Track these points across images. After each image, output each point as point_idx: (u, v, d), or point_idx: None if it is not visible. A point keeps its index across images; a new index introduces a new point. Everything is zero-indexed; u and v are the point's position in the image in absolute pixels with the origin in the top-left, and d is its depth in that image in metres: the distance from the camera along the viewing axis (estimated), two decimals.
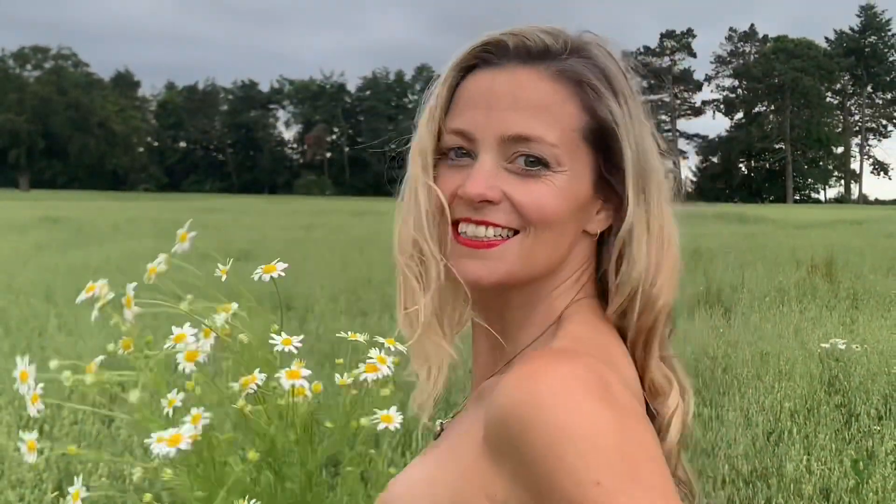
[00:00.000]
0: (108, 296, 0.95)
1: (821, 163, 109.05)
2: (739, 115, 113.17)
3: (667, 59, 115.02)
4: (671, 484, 0.77)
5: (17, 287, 10.79)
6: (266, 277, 1.02)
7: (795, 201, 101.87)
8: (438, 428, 1.06)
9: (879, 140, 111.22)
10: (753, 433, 4.65)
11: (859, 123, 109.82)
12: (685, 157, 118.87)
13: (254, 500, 0.96)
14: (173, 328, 1.00)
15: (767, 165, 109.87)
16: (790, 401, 5.34)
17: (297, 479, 1.01)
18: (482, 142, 0.95)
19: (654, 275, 0.96)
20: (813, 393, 5.55)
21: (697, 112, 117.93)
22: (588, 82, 0.97)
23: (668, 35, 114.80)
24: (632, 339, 0.98)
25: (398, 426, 1.08)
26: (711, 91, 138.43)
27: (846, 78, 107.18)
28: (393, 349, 1.09)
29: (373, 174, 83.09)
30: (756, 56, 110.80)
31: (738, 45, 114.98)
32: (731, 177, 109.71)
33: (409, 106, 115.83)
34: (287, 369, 0.95)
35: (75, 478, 3.21)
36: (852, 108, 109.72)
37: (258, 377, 0.95)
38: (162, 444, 0.87)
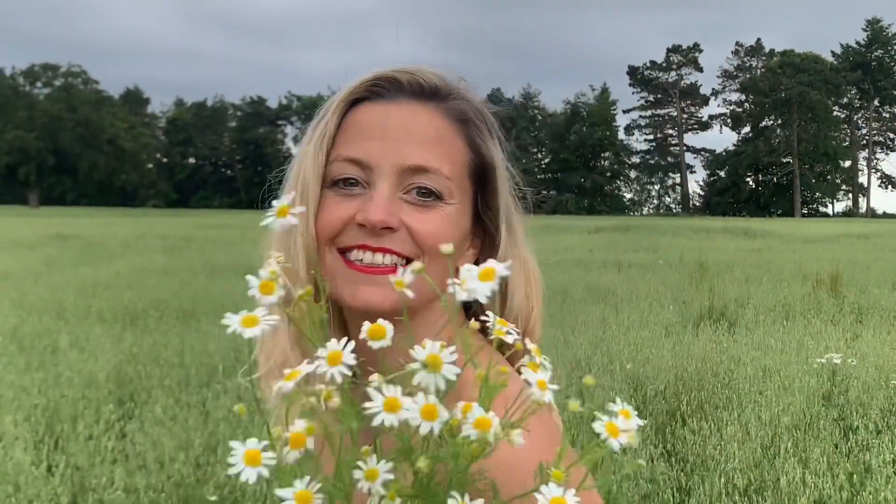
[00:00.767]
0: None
1: (828, 177, 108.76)
2: (746, 129, 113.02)
3: (673, 73, 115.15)
4: None
5: (29, 304, 10.89)
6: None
7: (803, 215, 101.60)
8: None
9: (887, 154, 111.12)
10: (752, 447, 4.72)
11: (866, 137, 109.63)
12: (692, 172, 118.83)
13: None
14: None
15: (775, 179, 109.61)
16: (788, 415, 5.41)
17: None
18: (378, 171, 0.96)
19: (529, 309, 1.00)
20: (811, 407, 5.63)
21: (704, 126, 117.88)
22: (472, 121, 1.02)
23: (675, 50, 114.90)
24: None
25: None
26: (718, 105, 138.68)
27: (853, 92, 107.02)
28: None
29: None
30: (763, 70, 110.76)
31: (745, 59, 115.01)
32: (738, 191, 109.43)
33: None
34: None
35: (90, 493, 3.31)
36: (859, 121, 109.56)
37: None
38: None
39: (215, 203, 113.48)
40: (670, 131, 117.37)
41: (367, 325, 0.79)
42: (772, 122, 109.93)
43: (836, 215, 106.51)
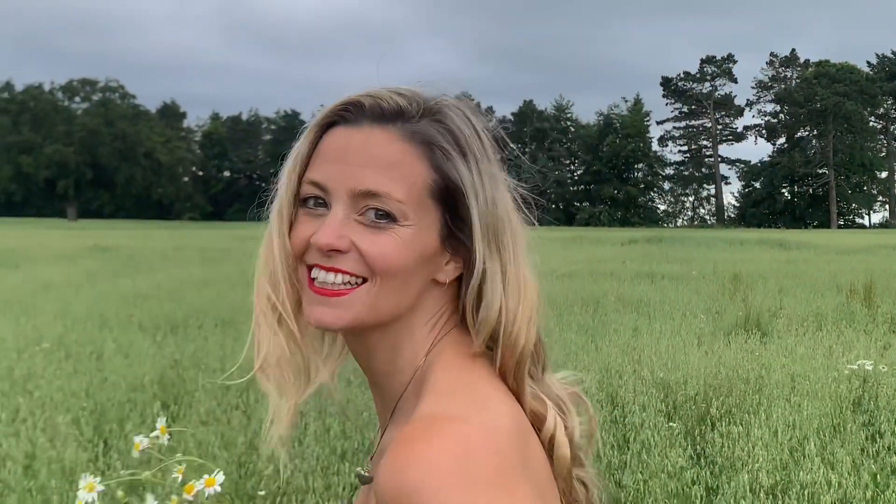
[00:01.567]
0: None
1: (864, 187, 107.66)
2: (782, 140, 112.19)
3: (707, 84, 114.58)
4: None
5: (73, 313, 11.16)
6: None
7: (839, 226, 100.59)
8: (364, 473, 1.07)
9: None
10: (779, 449, 4.82)
11: None
12: (727, 183, 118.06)
13: None
14: None
15: (811, 191, 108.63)
16: (817, 419, 5.50)
17: None
18: (335, 194, 1.02)
19: (511, 320, 1.04)
20: (839, 412, 5.71)
21: (739, 137, 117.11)
22: (437, 144, 1.03)
23: (709, 60, 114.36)
24: (501, 375, 1.04)
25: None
26: (753, 116, 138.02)
27: (889, 102, 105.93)
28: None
29: None
30: (798, 81, 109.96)
31: (780, 69, 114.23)
32: (773, 202, 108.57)
33: None
34: None
35: (140, 487, 3.51)
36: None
37: None
38: None
39: (250, 216, 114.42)
40: (704, 142, 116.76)
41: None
42: (807, 132, 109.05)
43: (872, 226, 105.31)
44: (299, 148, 1.10)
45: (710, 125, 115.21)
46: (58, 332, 9.32)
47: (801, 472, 4.36)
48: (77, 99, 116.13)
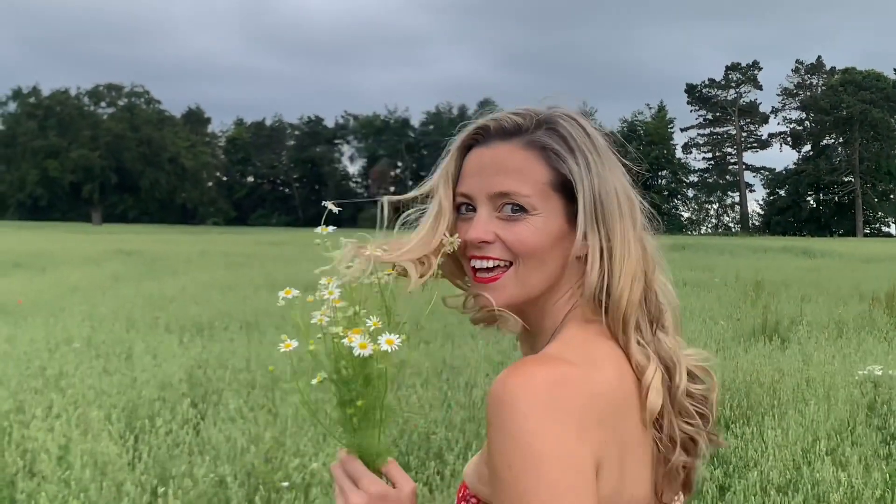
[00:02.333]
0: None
1: (891, 196, 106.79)
2: (807, 147, 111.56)
3: (732, 91, 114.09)
4: (569, 485, 1.04)
5: (100, 315, 11.36)
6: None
7: (865, 235, 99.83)
8: None
9: None
10: (791, 450, 4.91)
11: None
12: (752, 191, 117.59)
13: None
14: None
15: (836, 199, 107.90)
16: (829, 421, 5.58)
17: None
18: (478, 199, 1.29)
19: (614, 283, 1.25)
20: (853, 415, 5.78)
21: (764, 145, 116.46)
22: (550, 147, 1.27)
23: (734, 67, 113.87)
24: (612, 330, 1.25)
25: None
26: (778, 124, 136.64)
27: None
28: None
29: None
30: (823, 88, 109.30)
31: (805, 77, 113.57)
32: (799, 210, 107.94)
33: None
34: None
35: (171, 480, 3.66)
36: None
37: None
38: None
39: (273, 221, 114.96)
40: (729, 149, 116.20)
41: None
42: (833, 140, 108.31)
43: None
44: (447, 167, 1.37)
45: (734, 132, 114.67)
46: (86, 333, 9.50)
47: (812, 472, 4.45)
48: (103, 104, 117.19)
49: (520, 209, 1.25)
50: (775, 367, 7.58)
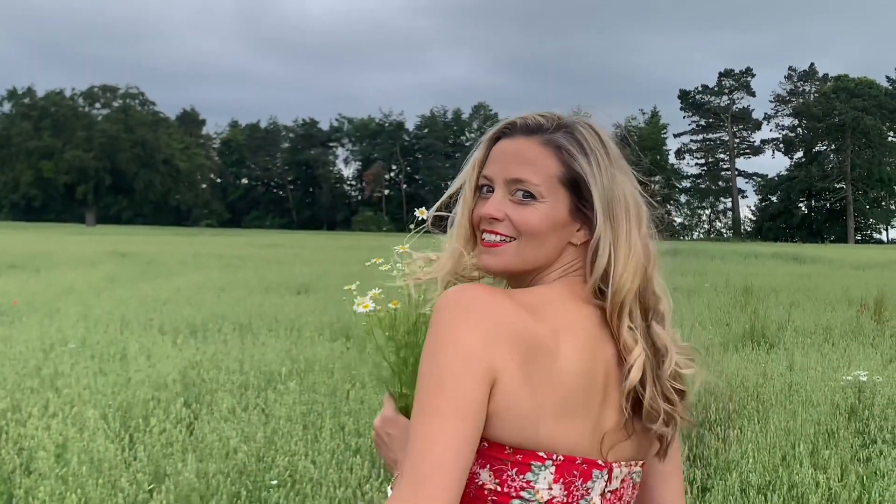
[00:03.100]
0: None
1: (882, 203, 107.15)
2: (799, 154, 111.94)
3: (725, 97, 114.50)
4: (451, 369, 1.27)
5: (95, 316, 11.43)
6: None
7: (857, 241, 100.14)
8: None
9: None
10: (772, 452, 5.03)
11: None
12: (744, 197, 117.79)
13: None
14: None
15: (828, 205, 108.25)
16: (811, 425, 5.70)
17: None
18: (496, 182, 1.48)
19: (619, 271, 1.43)
20: (834, 419, 5.90)
21: (756, 151, 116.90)
22: (564, 147, 1.47)
23: (727, 74, 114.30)
24: (609, 313, 1.43)
25: None
26: (771, 130, 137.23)
27: None
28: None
29: None
30: (816, 95, 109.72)
31: (798, 84, 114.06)
32: (790, 216, 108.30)
33: (467, 144, 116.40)
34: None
35: (166, 478, 3.78)
36: None
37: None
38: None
39: (267, 223, 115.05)
40: (722, 156, 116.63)
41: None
42: (825, 147, 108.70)
43: (890, 242, 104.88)
44: (477, 155, 1.57)
45: (727, 138, 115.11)
46: (81, 334, 9.58)
47: (791, 474, 4.56)
48: (98, 105, 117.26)
49: (529, 196, 1.45)
50: (760, 371, 7.71)
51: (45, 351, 8.36)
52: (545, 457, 1.34)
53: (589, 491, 1.39)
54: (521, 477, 1.33)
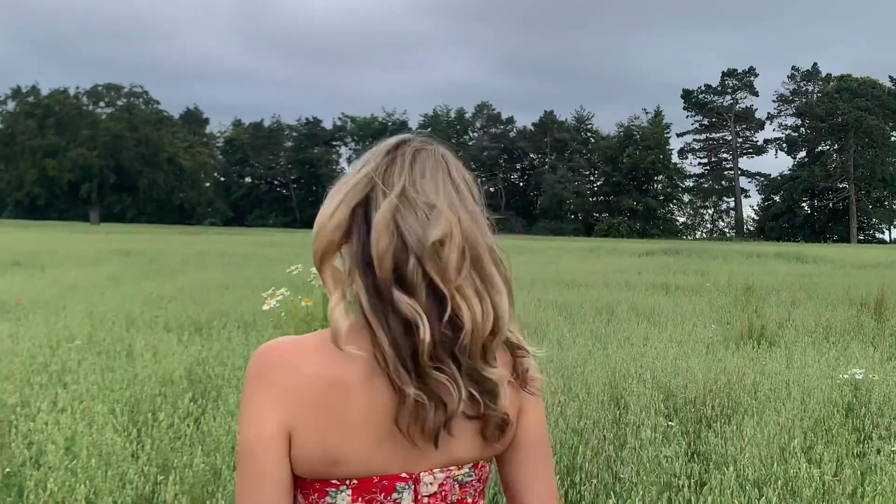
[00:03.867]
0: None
1: (885, 203, 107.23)
2: (802, 154, 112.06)
3: (728, 97, 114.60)
4: (247, 435, 1.36)
5: (99, 314, 11.50)
6: None
7: (860, 241, 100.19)
8: None
9: None
10: (768, 447, 5.11)
11: None
12: (747, 196, 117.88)
13: None
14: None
15: (831, 205, 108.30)
16: (807, 421, 5.78)
17: None
18: None
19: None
20: (831, 415, 5.98)
21: (759, 151, 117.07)
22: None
23: (730, 73, 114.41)
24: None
25: None
26: (774, 130, 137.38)
27: None
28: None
29: None
30: (819, 95, 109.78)
31: (801, 83, 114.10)
32: (793, 216, 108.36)
33: (470, 143, 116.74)
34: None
35: (174, 470, 3.86)
36: None
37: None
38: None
39: (270, 222, 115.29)
40: (724, 155, 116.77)
41: None
42: (828, 147, 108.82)
43: (893, 241, 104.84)
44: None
45: (730, 138, 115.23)
46: (87, 331, 9.65)
47: (786, 468, 4.64)
48: (102, 104, 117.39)
49: None
50: (759, 369, 7.79)
51: (52, 347, 8.45)
52: (338, 483, 1.37)
53: (398, 501, 1.40)
54: (323, 500, 1.38)
